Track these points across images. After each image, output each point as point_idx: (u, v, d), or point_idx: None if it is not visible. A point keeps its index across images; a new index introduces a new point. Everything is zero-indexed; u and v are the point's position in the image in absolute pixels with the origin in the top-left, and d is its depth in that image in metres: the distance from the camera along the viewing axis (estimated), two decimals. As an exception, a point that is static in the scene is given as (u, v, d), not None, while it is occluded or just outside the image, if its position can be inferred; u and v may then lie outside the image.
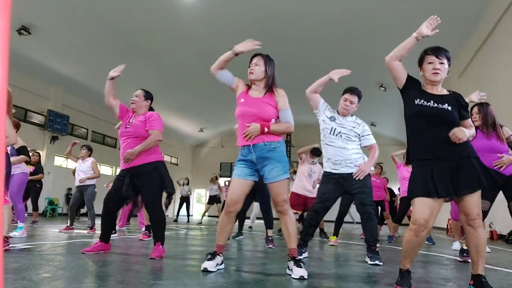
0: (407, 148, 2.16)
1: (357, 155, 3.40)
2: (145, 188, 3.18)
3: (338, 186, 3.35)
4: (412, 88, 2.16)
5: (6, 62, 0.52)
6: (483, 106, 3.54)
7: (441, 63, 2.09)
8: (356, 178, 3.28)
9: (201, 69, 13.55)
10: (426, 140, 2.03)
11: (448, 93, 2.17)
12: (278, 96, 2.61)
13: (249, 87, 2.69)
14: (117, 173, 3.42)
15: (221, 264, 2.58)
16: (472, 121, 3.54)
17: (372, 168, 5.97)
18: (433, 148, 2.00)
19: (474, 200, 1.95)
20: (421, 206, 1.95)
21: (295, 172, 7.01)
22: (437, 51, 2.11)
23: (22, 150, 4.65)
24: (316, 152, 5.86)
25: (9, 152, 4.57)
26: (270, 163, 2.49)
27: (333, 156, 3.34)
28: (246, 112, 2.55)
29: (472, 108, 3.60)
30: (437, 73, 2.09)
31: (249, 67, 2.66)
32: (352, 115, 3.51)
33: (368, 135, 3.46)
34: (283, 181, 2.51)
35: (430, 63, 2.11)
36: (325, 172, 3.46)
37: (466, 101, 2.22)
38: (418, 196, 1.96)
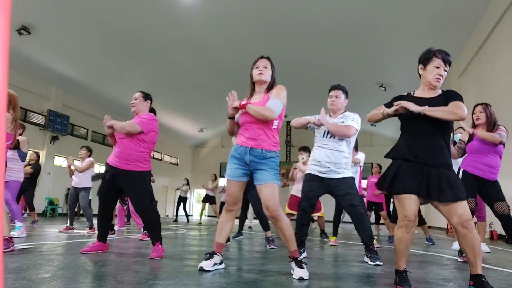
0: (393, 147, 2.19)
1: (347, 160, 3.38)
2: (131, 191, 3.19)
3: (323, 184, 3.34)
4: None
5: (6, 62, 0.52)
6: (487, 106, 3.54)
7: (445, 70, 2.11)
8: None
9: (201, 69, 13.61)
10: (415, 146, 2.06)
11: (440, 93, 2.17)
12: (273, 90, 2.59)
13: (250, 95, 2.68)
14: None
15: (220, 264, 2.58)
16: (474, 120, 3.57)
17: (360, 157, 5.92)
18: (420, 154, 2.03)
19: (463, 204, 1.98)
20: (410, 203, 2.00)
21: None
22: (446, 56, 2.10)
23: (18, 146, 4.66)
24: (305, 149, 5.81)
25: (18, 157, 4.61)
26: (265, 168, 2.49)
27: (324, 157, 3.31)
28: (248, 119, 2.54)
29: (475, 106, 3.61)
30: (439, 79, 2.11)
31: (257, 67, 2.63)
32: (345, 111, 3.49)
33: (352, 120, 3.32)
34: (273, 185, 2.47)
35: (436, 67, 2.09)
36: (309, 173, 3.42)
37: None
38: (410, 193, 2.00)
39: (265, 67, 2.63)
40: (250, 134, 2.53)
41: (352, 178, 3.41)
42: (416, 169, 2.03)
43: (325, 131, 3.38)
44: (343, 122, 3.36)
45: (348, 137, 3.32)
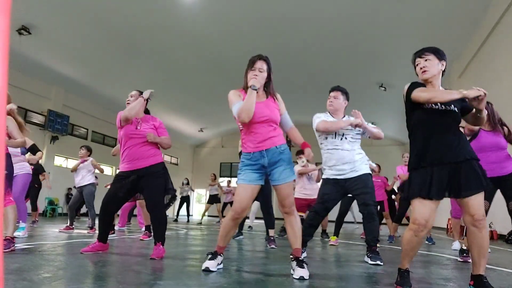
0: (410, 156, 2.14)
1: (361, 155, 3.42)
2: (149, 188, 3.19)
3: (338, 187, 3.34)
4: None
5: (6, 62, 0.52)
6: (488, 104, 3.54)
7: (426, 60, 2.13)
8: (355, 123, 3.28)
9: (202, 69, 13.60)
10: (432, 147, 2.02)
11: None
12: (278, 101, 2.63)
13: (245, 91, 2.59)
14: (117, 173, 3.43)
15: (220, 263, 2.60)
16: None
17: (373, 164, 5.96)
18: (439, 154, 1.99)
19: (478, 201, 1.94)
20: (421, 207, 1.96)
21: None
22: (419, 52, 2.18)
23: (34, 147, 4.69)
24: (302, 152, 5.82)
25: (19, 151, 4.61)
26: (281, 165, 2.50)
27: (340, 160, 3.31)
28: (260, 116, 2.47)
29: None
30: (424, 71, 2.13)
31: (253, 70, 2.53)
32: (344, 116, 3.50)
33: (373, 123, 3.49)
34: (291, 183, 2.55)
35: (417, 65, 2.18)
36: (326, 178, 3.42)
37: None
38: (417, 197, 1.97)
39: (261, 71, 2.53)
40: (260, 136, 2.49)
41: (369, 175, 3.39)
42: (423, 173, 2.00)
43: (335, 133, 3.36)
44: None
45: (380, 139, 3.50)
